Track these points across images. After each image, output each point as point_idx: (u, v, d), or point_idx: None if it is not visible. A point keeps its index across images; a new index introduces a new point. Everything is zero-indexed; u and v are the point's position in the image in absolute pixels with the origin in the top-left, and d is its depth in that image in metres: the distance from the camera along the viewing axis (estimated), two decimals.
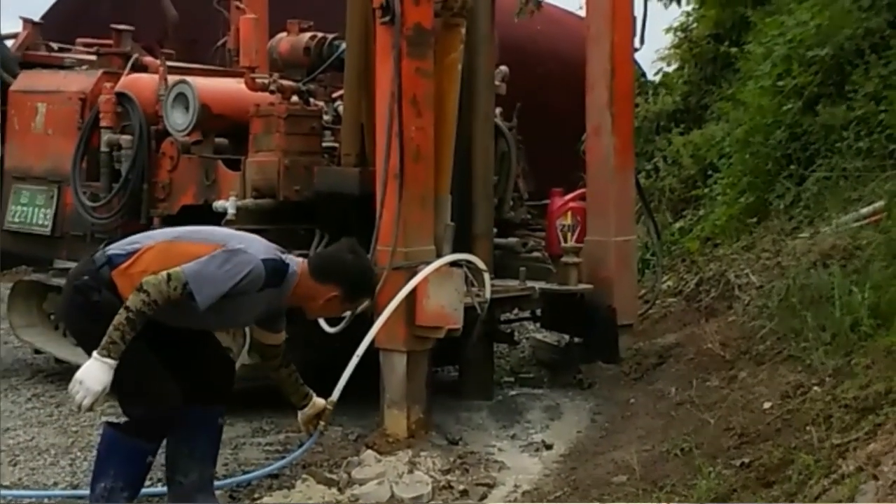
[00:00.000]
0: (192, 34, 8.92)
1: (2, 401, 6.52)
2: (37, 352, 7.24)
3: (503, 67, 6.48)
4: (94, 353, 4.04)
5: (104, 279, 4.19)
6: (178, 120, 6.19)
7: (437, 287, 5.23)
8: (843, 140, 6.36)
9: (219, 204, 5.85)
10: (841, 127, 6.44)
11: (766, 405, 4.70)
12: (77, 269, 4.41)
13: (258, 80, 6.00)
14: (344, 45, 6.57)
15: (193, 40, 8.46)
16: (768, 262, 6.29)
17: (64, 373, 6.99)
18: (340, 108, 6.49)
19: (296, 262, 4.37)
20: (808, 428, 4.25)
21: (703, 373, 5.55)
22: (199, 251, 4.13)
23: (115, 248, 4.30)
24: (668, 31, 9.79)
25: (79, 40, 7.90)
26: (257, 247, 4.24)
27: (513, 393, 6.14)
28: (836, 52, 6.63)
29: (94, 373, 4.02)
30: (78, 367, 6.51)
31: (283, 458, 5.19)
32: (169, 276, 4.01)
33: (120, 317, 3.98)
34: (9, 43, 7.59)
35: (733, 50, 8.53)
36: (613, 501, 4.37)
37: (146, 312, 4.00)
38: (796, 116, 6.78)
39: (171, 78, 6.32)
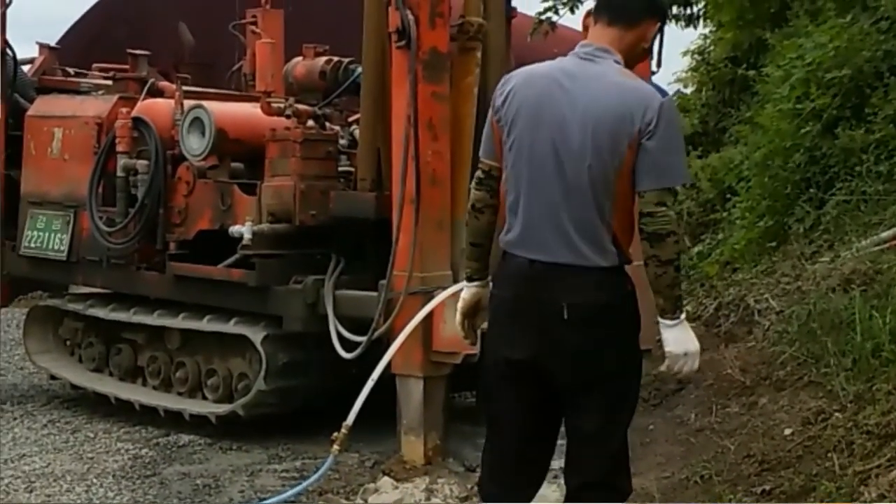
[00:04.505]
0: (208, 58, 8.95)
1: (18, 427, 6.51)
2: (52, 378, 7.22)
3: None
4: (665, 320, 3.32)
5: None
6: (194, 145, 6.19)
7: (454, 312, 5.17)
8: (862, 163, 6.30)
9: (235, 229, 5.84)
10: (860, 150, 6.37)
11: (787, 431, 4.63)
12: None
13: (274, 105, 5.99)
14: (360, 70, 6.59)
15: (209, 65, 8.46)
16: (788, 286, 6.21)
17: (79, 399, 7.00)
18: (356, 133, 6.49)
19: None
20: (829, 455, 4.19)
21: (722, 399, 5.48)
22: None
23: None
24: (685, 53, 9.78)
25: (95, 65, 7.92)
26: None
27: None
28: (854, 75, 6.57)
29: (686, 335, 3.37)
30: (96, 393, 6.66)
31: (300, 484, 5.15)
32: None
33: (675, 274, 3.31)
34: (25, 68, 7.61)
35: (751, 73, 8.49)
36: None
37: None
38: (815, 139, 6.71)
39: (187, 103, 6.33)
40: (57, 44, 8.54)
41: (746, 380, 5.51)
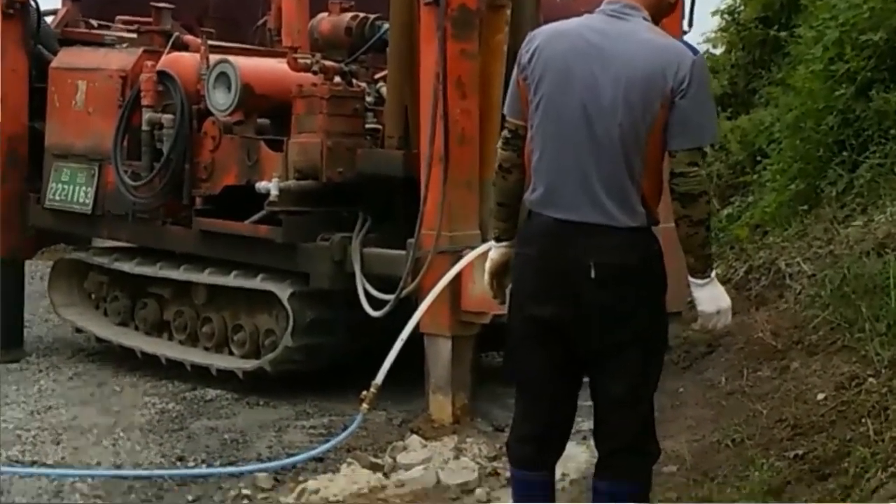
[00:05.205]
0: (232, 13, 8.86)
1: (44, 379, 6.52)
2: (78, 330, 7.22)
3: None
4: (697, 280, 3.32)
5: None
6: (220, 100, 6.13)
7: (482, 272, 5.13)
8: None
9: (262, 185, 5.79)
10: (895, 113, 6.27)
11: (820, 396, 4.58)
12: None
13: (301, 61, 5.91)
14: (386, 26, 6.51)
15: (233, 20, 8.38)
16: (820, 250, 6.15)
17: (104, 352, 7.01)
18: (383, 90, 6.43)
19: None
20: (863, 420, 4.13)
21: (753, 362, 5.43)
22: None
23: None
24: (714, 13, 9.62)
25: (118, 18, 7.85)
26: None
27: None
28: (890, 37, 6.44)
29: (717, 292, 3.36)
30: (122, 347, 6.66)
31: (328, 441, 5.14)
32: None
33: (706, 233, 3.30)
34: (48, 19, 7.55)
35: (783, 33, 8.35)
36: (664, 491, 4.28)
37: None
38: (849, 102, 6.59)
39: (213, 57, 6.26)
40: None
41: (778, 343, 5.46)
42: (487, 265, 3.58)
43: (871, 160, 6.29)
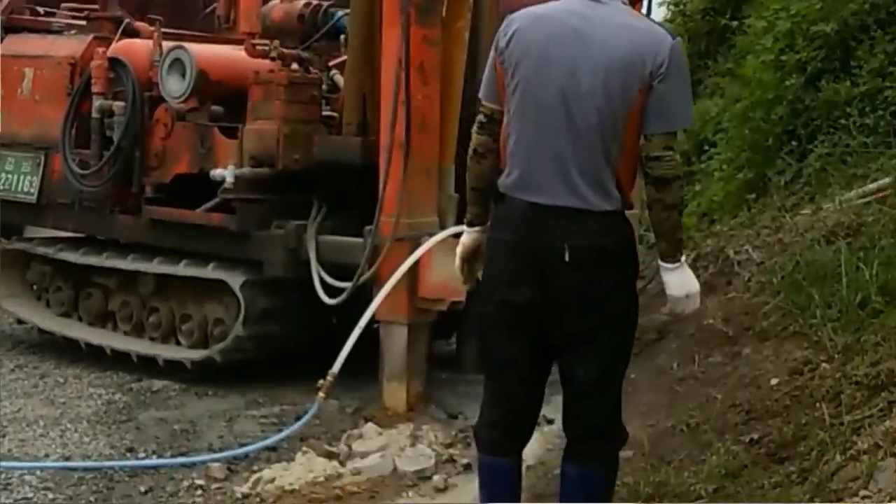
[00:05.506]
0: (177, 1, 8.76)
1: None
2: (19, 322, 7.10)
3: None
4: (667, 264, 3.34)
5: None
6: (174, 87, 6.05)
7: (440, 259, 5.13)
8: (847, 116, 6.26)
9: (217, 172, 5.72)
10: (844, 103, 6.33)
11: (774, 381, 4.62)
12: None
13: (259, 47, 5.85)
14: (339, 13, 6.47)
15: (179, 7, 8.28)
16: (769, 238, 6.20)
17: (46, 344, 6.88)
18: (336, 77, 6.39)
19: None
20: (818, 405, 4.17)
21: (705, 349, 5.47)
22: None
23: None
24: (661, 4, 9.71)
25: (63, 5, 7.72)
26: None
27: None
28: (840, 28, 6.53)
29: (687, 277, 3.39)
30: (65, 338, 6.54)
31: (281, 430, 5.10)
32: None
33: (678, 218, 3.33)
34: None
35: (734, 23, 8.43)
36: (622, 476, 4.29)
37: None
38: (798, 92, 6.67)
39: (166, 44, 6.17)
40: None
41: (729, 330, 5.49)
42: (459, 250, 3.56)
43: (820, 150, 6.37)
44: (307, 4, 6.59)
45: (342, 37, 6.50)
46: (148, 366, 6.22)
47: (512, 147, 3.28)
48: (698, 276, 6.42)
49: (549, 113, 3.20)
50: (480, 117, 3.41)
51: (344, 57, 6.40)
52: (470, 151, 3.46)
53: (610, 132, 3.19)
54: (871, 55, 6.30)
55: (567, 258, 3.19)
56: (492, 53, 3.35)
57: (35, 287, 7.06)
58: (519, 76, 3.25)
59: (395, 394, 5.25)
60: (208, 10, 7.82)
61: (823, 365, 4.49)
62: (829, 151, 6.29)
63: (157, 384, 6.05)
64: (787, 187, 6.63)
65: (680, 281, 3.35)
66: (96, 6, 7.19)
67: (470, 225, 3.54)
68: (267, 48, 5.84)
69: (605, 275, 3.24)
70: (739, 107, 7.21)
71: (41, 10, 7.53)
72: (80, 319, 6.76)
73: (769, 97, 6.88)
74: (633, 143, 3.23)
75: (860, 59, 6.38)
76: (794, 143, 6.65)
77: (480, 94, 3.43)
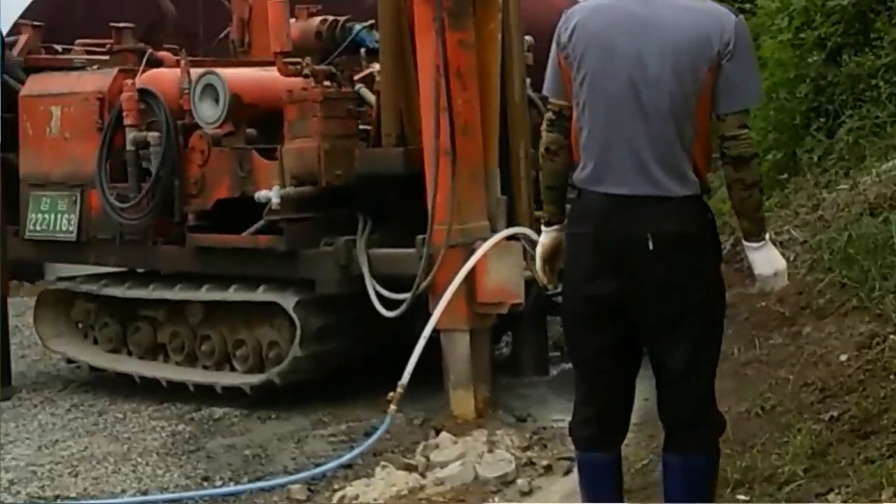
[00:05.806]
0: (188, 28, 8.81)
1: (41, 413, 6.36)
2: (68, 361, 7.09)
3: (528, 37, 6.40)
4: (752, 243, 3.35)
5: None
6: (208, 112, 6.06)
7: (497, 262, 5.17)
8: (873, 89, 6.30)
9: (262, 194, 5.72)
10: (868, 76, 6.37)
11: (843, 357, 4.61)
12: None
13: (291, 66, 5.87)
14: (358, 27, 6.50)
15: (194, 34, 8.32)
16: (808, 216, 6.22)
17: (95, 381, 6.88)
18: (362, 91, 6.40)
19: None
20: (893, 377, 4.19)
21: (763, 331, 5.47)
22: None
23: None
24: None
25: (78, 41, 7.74)
26: None
27: (566, 366, 6.06)
28: (857, 1, 6.57)
29: (773, 254, 3.41)
30: (118, 374, 6.54)
31: (352, 447, 5.11)
32: None
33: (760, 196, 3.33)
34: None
35: (747, 6, 8.45)
36: None
37: None
38: (820, 69, 6.70)
39: (195, 71, 6.18)
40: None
41: (785, 310, 5.50)
42: (539, 250, 3.56)
43: (850, 123, 6.39)
44: (324, 21, 6.61)
45: (362, 50, 6.55)
46: (204, 394, 6.22)
47: (584, 140, 3.28)
48: (740, 261, 6.55)
49: (620, 102, 3.21)
50: (549, 115, 3.41)
51: (368, 70, 6.45)
52: (541, 150, 3.46)
53: (683, 116, 3.18)
54: (892, 25, 6.34)
55: (651, 246, 3.19)
56: (553, 49, 3.34)
57: (80, 325, 7.06)
58: (585, 69, 3.25)
59: (462, 401, 5.26)
60: (222, 35, 7.84)
61: (892, 337, 4.50)
62: (859, 125, 6.31)
63: (218, 412, 6.05)
64: (819, 164, 6.65)
65: (766, 259, 3.36)
66: (109, 41, 7.21)
67: (548, 224, 3.55)
68: (300, 66, 5.85)
69: (687, 260, 3.24)
70: (762, 88, 7.22)
71: (59, 47, 7.54)
72: (130, 354, 6.76)
73: (790, 76, 6.90)
74: (706, 125, 3.23)
75: (880, 31, 6.41)
76: (821, 119, 6.68)
77: (546, 91, 3.43)
